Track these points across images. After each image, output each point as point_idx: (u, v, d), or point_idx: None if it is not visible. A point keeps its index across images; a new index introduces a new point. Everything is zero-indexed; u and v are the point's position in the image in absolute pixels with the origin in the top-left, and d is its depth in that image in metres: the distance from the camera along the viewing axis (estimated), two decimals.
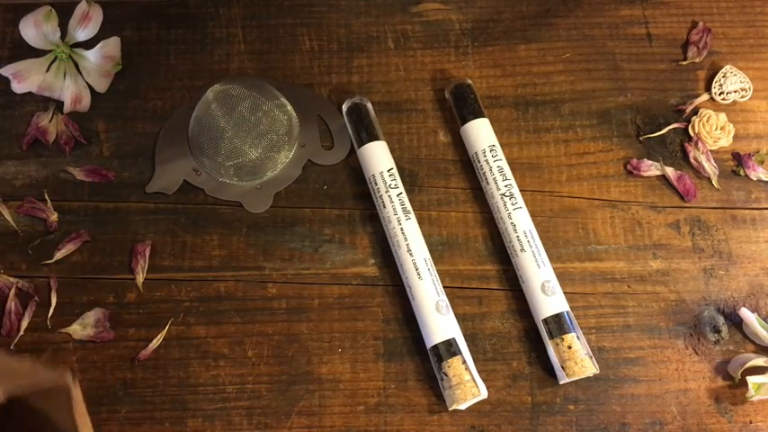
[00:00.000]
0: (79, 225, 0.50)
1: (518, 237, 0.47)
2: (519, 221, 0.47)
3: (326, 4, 0.56)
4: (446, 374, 0.44)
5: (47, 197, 0.51)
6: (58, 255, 0.49)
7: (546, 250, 0.47)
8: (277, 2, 0.56)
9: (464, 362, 0.44)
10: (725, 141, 0.52)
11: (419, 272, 0.46)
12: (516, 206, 0.48)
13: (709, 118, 0.52)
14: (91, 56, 0.52)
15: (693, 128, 0.52)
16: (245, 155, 0.49)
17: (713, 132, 0.52)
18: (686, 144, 0.52)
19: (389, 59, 0.54)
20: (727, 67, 0.53)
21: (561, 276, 0.48)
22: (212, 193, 0.51)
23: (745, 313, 0.46)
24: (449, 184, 0.51)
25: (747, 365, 0.45)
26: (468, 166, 0.51)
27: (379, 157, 0.50)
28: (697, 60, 0.54)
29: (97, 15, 0.52)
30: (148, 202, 0.51)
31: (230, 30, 0.55)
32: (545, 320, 0.45)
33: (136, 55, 0.55)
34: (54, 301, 0.48)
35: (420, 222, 0.49)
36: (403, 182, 0.50)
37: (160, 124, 0.53)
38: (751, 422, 0.45)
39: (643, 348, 0.47)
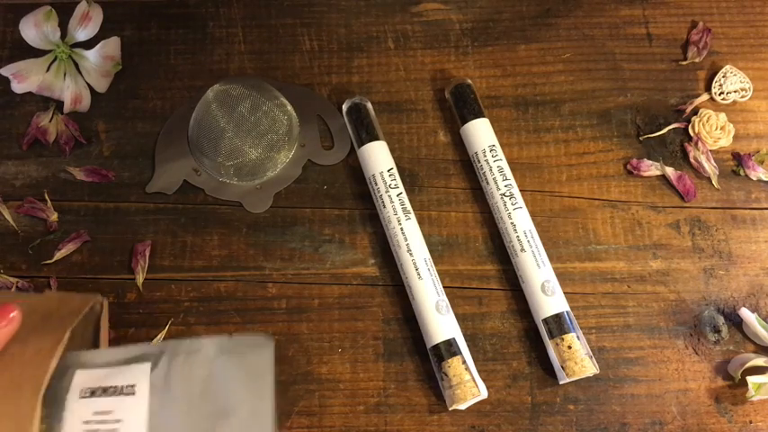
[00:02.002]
0: (79, 225, 0.50)
1: (518, 237, 0.47)
2: (519, 221, 0.47)
3: (326, 5, 0.56)
4: (446, 374, 0.44)
5: (47, 197, 0.51)
6: (58, 255, 0.49)
7: (546, 250, 0.47)
8: (277, 2, 0.56)
9: (464, 362, 0.44)
10: (725, 141, 0.52)
11: (419, 272, 0.46)
12: (516, 206, 0.48)
13: (709, 118, 0.52)
14: (91, 56, 0.52)
15: (693, 128, 0.52)
16: (246, 155, 0.49)
17: (713, 132, 0.52)
18: (686, 144, 0.52)
19: (389, 59, 0.54)
20: (727, 67, 0.53)
21: (561, 276, 0.48)
22: (212, 193, 0.51)
23: (745, 313, 0.46)
24: (449, 184, 0.51)
25: (747, 365, 0.45)
26: (468, 166, 0.51)
27: (379, 157, 0.50)
28: (697, 60, 0.54)
29: (97, 15, 0.52)
30: (148, 202, 0.51)
31: (230, 30, 0.55)
32: (545, 320, 0.45)
33: (136, 55, 0.55)
34: None
35: (420, 222, 0.49)
36: (403, 182, 0.50)
37: (160, 124, 0.53)
38: (751, 422, 0.45)
39: (643, 348, 0.47)
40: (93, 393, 0.34)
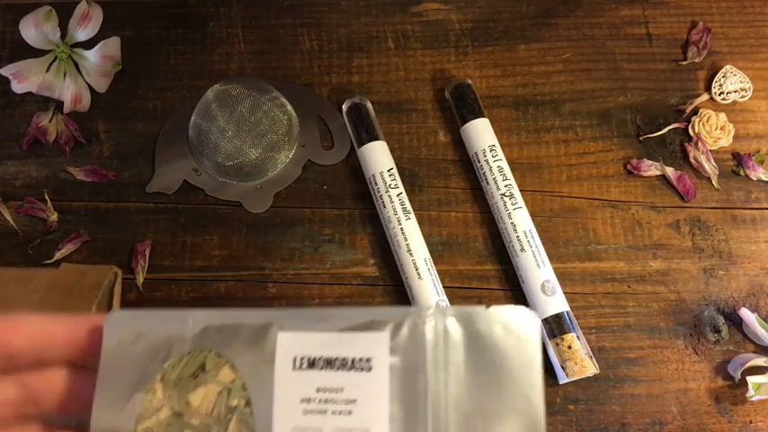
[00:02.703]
0: (79, 225, 0.50)
1: (518, 237, 0.47)
2: (519, 221, 0.47)
3: (326, 5, 0.56)
4: None
5: (47, 197, 0.51)
6: (58, 255, 0.49)
7: (546, 250, 0.47)
8: (277, 2, 0.56)
9: None
10: (725, 141, 0.52)
11: (419, 272, 0.46)
12: (516, 206, 0.48)
13: (709, 118, 0.52)
14: (91, 56, 0.52)
15: (693, 128, 0.52)
16: (246, 155, 0.49)
17: (713, 132, 0.52)
18: (686, 144, 0.52)
19: (389, 59, 0.54)
20: (727, 67, 0.53)
21: (561, 276, 0.48)
22: (212, 193, 0.51)
23: (746, 313, 0.46)
24: (449, 184, 0.51)
25: (747, 365, 0.45)
26: (468, 166, 0.51)
27: (379, 157, 0.50)
28: (697, 60, 0.54)
29: (97, 15, 0.52)
30: (148, 202, 0.51)
31: (230, 30, 0.55)
32: (545, 320, 0.45)
33: (136, 55, 0.55)
34: None
35: (420, 222, 0.49)
36: (403, 182, 0.50)
37: (160, 124, 0.53)
38: (751, 422, 0.45)
39: (643, 348, 0.47)
40: (312, 365, 0.27)
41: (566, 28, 0.55)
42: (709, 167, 0.51)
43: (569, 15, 0.56)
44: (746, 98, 0.53)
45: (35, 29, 0.51)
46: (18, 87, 0.52)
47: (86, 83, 0.53)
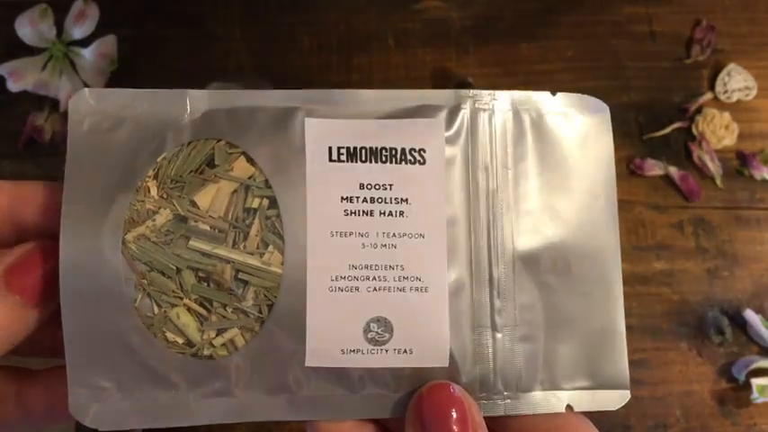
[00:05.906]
0: None
1: None
2: None
3: (326, 2, 0.55)
4: None
5: None
6: None
7: None
8: (276, 0, 0.56)
9: None
10: (729, 140, 0.51)
11: None
12: None
13: (713, 117, 0.51)
14: (87, 54, 0.51)
15: (697, 127, 0.51)
16: None
17: (717, 131, 0.51)
18: (690, 143, 0.51)
19: (390, 58, 0.54)
20: (732, 66, 0.53)
21: None
22: None
23: (750, 315, 0.46)
24: None
25: (752, 367, 0.45)
26: None
27: None
28: (701, 58, 0.53)
29: (93, 13, 0.52)
30: None
31: (228, 28, 0.55)
32: None
33: (132, 53, 0.54)
34: None
35: None
36: None
37: None
38: (755, 425, 0.45)
39: (646, 350, 0.47)
40: (353, 156, 0.22)
41: (568, 26, 0.55)
42: (714, 167, 0.50)
43: (571, 13, 0.55)
44: (751, 97, 0.52)
45: (31, 27, 0.51)
46: (13, 86, 0.51)
47: (82, 81, 0.52)
